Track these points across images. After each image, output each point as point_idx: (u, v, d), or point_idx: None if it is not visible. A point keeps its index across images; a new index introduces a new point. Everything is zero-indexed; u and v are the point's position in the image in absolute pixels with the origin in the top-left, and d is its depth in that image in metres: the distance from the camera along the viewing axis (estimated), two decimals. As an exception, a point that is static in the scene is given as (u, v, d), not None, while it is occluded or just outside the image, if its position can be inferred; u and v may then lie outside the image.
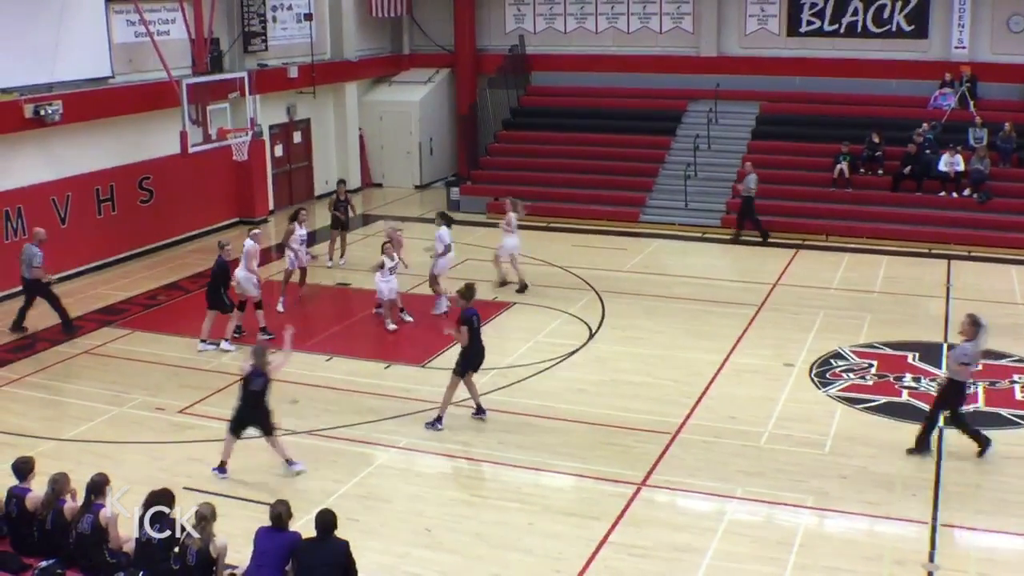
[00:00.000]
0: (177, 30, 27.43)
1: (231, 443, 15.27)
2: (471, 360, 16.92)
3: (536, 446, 16.18)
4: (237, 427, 15.22)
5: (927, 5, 32.01)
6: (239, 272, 20.61)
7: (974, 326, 15.38)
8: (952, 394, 15.48)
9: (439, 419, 16.86)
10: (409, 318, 21.98)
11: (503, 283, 24.29)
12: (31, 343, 21.19)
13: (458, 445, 16.21)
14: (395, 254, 21.35)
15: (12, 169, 24.03)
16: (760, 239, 28.68)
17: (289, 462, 15.34)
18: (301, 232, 22.80)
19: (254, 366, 15.00)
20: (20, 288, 21.77)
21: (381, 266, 21.23)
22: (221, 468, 15.23)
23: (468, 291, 17.13)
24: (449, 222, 23.23)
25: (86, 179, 25.96)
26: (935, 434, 15.89)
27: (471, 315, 16.89)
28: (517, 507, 14.28)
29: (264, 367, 14.99)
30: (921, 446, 15.50)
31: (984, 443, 15.48)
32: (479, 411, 17.18)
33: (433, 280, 22.67)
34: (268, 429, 15.26)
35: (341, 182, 27.60)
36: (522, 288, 24.03)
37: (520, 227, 24.32)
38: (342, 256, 26.50)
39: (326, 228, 27.91)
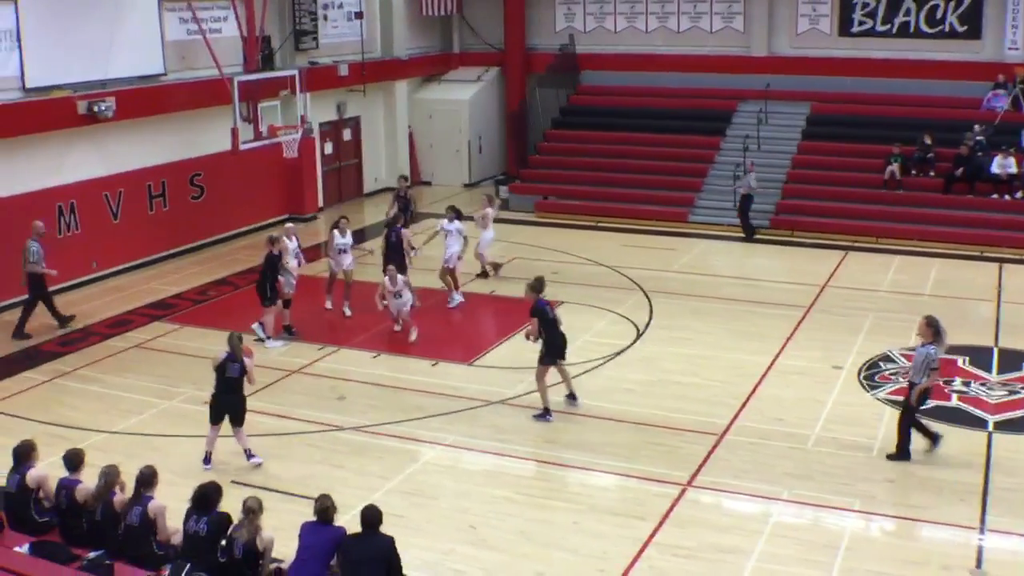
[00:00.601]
0: (229, 28, 27.64)
1: (214, 433, 15.55)
2: (552, 349, 17.06)
3: (582, 445, 16.19)
4: (215, 415, 15.50)
5: (980, 5, 31.68)
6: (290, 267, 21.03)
7: (930, 327, 15.26)
8: (920, 398, 15.34)
9: (546, 411, 17.11)
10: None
11: (496, 268, 25.27)
12: (83, 336, 21.44)
13: (504, 443, 16.21)
14: (397, 277, 21.10)
15: (65, 165, 24.31)
16: (744, 237, 29.09)
17: (248, 453, 15.60)
18: (341, 240, 22.42)
19: (229, 353, 15.29)
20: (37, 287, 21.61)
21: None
22: (206, 459, 15.52)
23: (538, 284, 17.30)
24: (460, 215, 23.62)
25: (138, 175, 26.21)
26: (984, 440, 15.84)
27: (542, 306, 17.03)
28: (562, 506, 14.28)
29: (239, 354, 15.29)
30: (932, 440, 15.47)
31: (904, 451, 15.37)
32: (571, 396, 17.51)
33: (444, 273, 23.11)
34: (239, 420, 15.53)
35: (403, 178, 27.70)
36: (484, 274, 25.12)
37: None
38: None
39: (376, 225, 28.03)
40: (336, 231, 22.64)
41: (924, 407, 15.67)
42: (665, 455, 15.70)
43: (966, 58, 31.86)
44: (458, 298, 23.14)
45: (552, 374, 17.27)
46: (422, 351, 20.43)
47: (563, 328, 17.33)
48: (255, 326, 20.66)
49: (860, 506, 14.08)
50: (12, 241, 21.91)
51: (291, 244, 21.29)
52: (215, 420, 15.53)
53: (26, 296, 21.53)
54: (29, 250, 21.03)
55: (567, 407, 17.46)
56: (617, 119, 34.94)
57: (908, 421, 15.43)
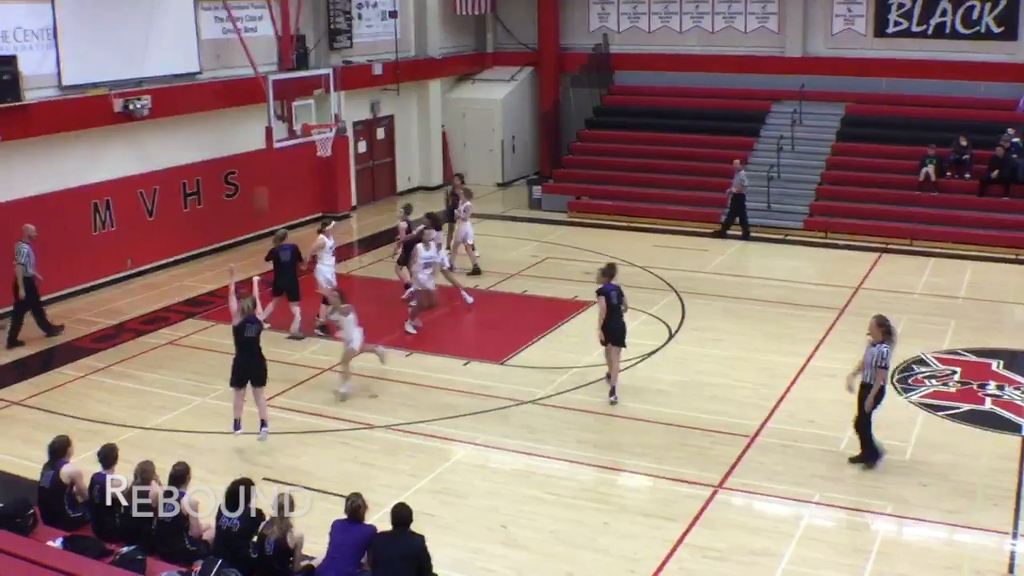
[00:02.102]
0: (264, 27, 27.75)
1: (239, 398, 15.99)
2: (608, 333, 17.66)
3: (613, 445, 16.21)
4: (238, 379, 15.92)
5: (1017, 7, 31.32)
6: (321, 265, 21.25)
7: (881, 327, 15.03)
8: (875, 399, 15.09)
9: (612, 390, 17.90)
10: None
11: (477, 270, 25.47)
12: (116, 333, 21.59)
13: (535, 443, 16.22)
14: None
15: (101, 162, 24.50)
16: (742, 236, 29.16)
17: (263, 423, 16.07)
18: (426, 254, 21.41)
19: (246, 315, 15.77)
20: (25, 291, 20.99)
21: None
22: (236, 425, 16.00)
23: (609, 269, 18.03)
24: (438, 225, 23.53)
25: (173, 173, 26.37)
26: (1018, 444, 15.75)
27: (609, 290, 17.66)
28: (593, 506, 14.27)
29: (254, 315, 15.91)
30: (868, 455, 15.23)
31: (869, 457, 15.18)
32: (610, 387, 17.86)
33: (448, 275, 23.16)
34: (261, 380, 16.00)
35: (457, 176, 27.61)
36: (478, 271, 25.37)
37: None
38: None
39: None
40: (420, 246, 21.53)
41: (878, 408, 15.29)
42: (696, 456, 15.67)
43: (1002, 59, 31.58)
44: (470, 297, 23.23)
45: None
46: (454, 350, 20.46)
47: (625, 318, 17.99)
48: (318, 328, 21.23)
49: (892, 510, 14.02)
50: (51, 238, 22.10)
51: (329, 242, 21.40)
52: (238, 383, 15.93)
53: (18, 301, 20.93)
54: (20, 252, 20.56)
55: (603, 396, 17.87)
56: (650, 119, 34.88)
57: (866, 422, 15.24)
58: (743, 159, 30.16)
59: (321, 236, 21.36)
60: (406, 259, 22.40)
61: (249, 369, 15.88)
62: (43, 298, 21.76)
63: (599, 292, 17.72)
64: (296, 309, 21.06)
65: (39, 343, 20.90)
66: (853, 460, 15.29)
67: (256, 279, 17.00)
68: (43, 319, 21.35)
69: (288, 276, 21.07)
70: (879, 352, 14.93)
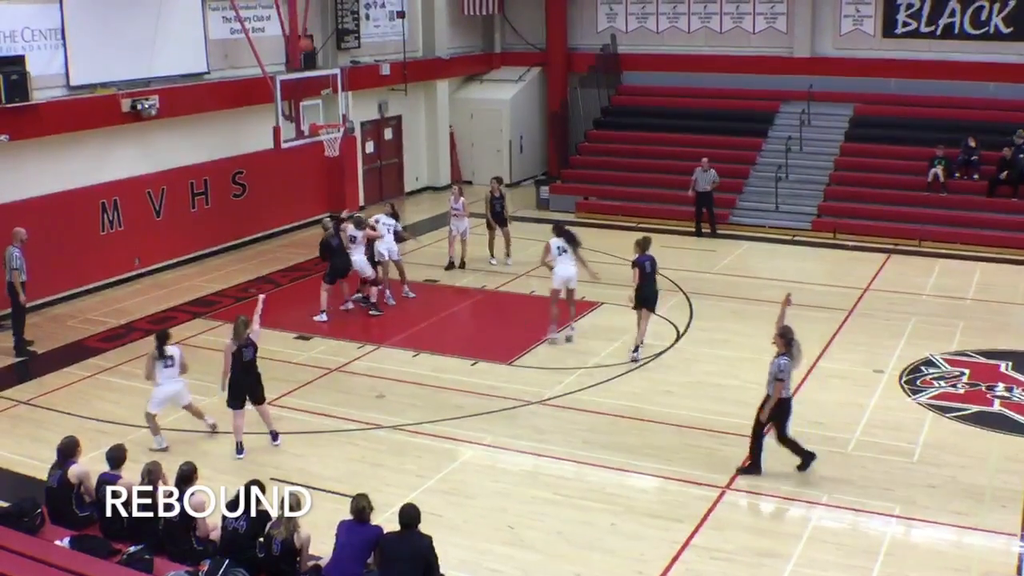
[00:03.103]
0: (272, 27, 27.75)
1: (239, 419, 15.91)
2: (639, 298, 19.59)
3: (621, 446, 16.16)
4: (237, 400, 15.88)
5: (1027, 7, 31.34)
6: (355, 256, 22.07)
7: (782, 339, 14.93)
8: (781, 411, 14.93)
9: (636, 347, 19.74)
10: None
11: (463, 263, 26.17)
12: (125, 332, 21.59)
13: (542, 444, 16.21)
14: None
15: (109, 162, 24.51)
16: (709, 232, 29.59)
17: (273, 435, 16.16)
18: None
19: (242, 339, 15.75)
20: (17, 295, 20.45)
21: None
22: (239, 448, 15.88)
23: (644, 242, 20.01)
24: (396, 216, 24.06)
25: (181, 173, 26.38)
26: None
27: (643, 261, 19.59)
28: (600, 507, 14.26)
29: (249, 338, 15.84)
30: (755, 467, 15.16)
31: (807, 458, 15.12)
32: (635, 348, 19.64)
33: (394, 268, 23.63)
34: (260, 398, 16.01)
35: (496, 179, 27.54)
36: (450, 267, 26.08)
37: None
38: (508, 255, 26.44)
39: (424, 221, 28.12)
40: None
41: (788, 417, 15.09)
42: (704, 457, 15.66)
43: (1011, 60, 31.44)
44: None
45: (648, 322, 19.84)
46: (462, 350, 20.45)
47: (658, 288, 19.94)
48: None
49: (900, 511, 13.99)
50: (57, 238, 22.11)
51: (358, 233, 22.30)
52: (237, 404, 15.86)
53: (15, 307, 20.46)
54: (13, 258, 19.97)
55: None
56: (658, 120, 34.84)
57: (758, 431, 15.12)
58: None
59: (355, 231, 22.24)
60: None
61: (245, 387, 15.86)
62: (51, 298, 21.76)
63: (633, 263, 19.58)
64: (374, 290, 22.45)
65: (46, 343, 20.90)
66: (740, 470, 15.17)
67: (262, 297, 16.96)
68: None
69: (344, 258, 22.00)
70: (777, 365, 14.80)
